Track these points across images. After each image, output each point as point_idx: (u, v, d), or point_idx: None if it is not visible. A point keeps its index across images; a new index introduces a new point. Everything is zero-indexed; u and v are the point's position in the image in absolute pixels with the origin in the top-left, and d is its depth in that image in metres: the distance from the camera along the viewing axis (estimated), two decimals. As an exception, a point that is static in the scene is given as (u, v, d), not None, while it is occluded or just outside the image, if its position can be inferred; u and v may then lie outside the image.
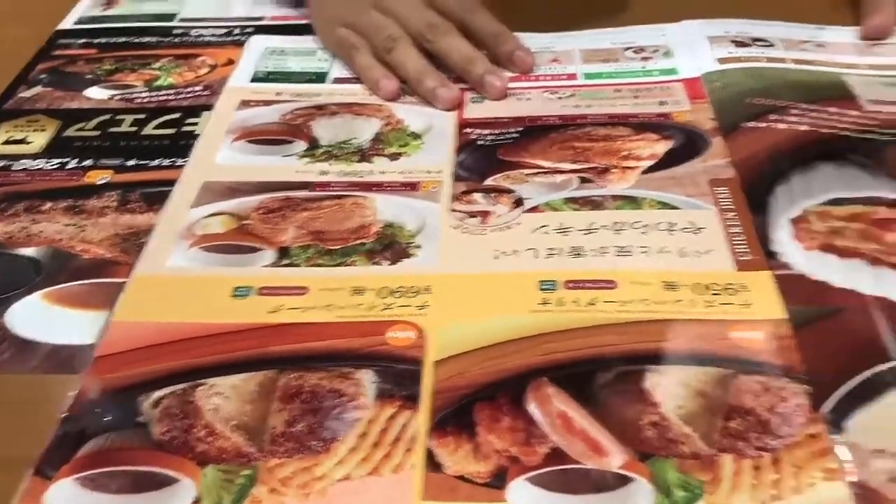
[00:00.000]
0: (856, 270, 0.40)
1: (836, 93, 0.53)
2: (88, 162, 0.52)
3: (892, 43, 0.58)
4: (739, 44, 0.58)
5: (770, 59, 0.56)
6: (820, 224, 0.43)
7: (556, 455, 0.34)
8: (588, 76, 0.58)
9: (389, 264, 0.43)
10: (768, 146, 0.48)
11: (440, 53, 0.57)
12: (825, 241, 0.42)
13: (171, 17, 0.69)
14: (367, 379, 0.37)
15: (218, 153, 0.52)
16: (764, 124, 0.50)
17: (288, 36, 0.64)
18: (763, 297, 0.40)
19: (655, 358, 0.37)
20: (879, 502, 0.31)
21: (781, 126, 0.50)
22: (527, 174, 0.49)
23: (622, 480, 0.33)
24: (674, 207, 0.46)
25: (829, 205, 0.44)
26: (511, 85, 0.57)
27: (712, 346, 0.38)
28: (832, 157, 0.47)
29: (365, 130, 0.53)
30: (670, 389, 0.36)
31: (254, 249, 0.45)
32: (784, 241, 0.42)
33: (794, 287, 0.40)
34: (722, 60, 0.56)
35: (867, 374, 0.35)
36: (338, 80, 0.59)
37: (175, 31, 0.67)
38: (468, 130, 0.53)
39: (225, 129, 0.54)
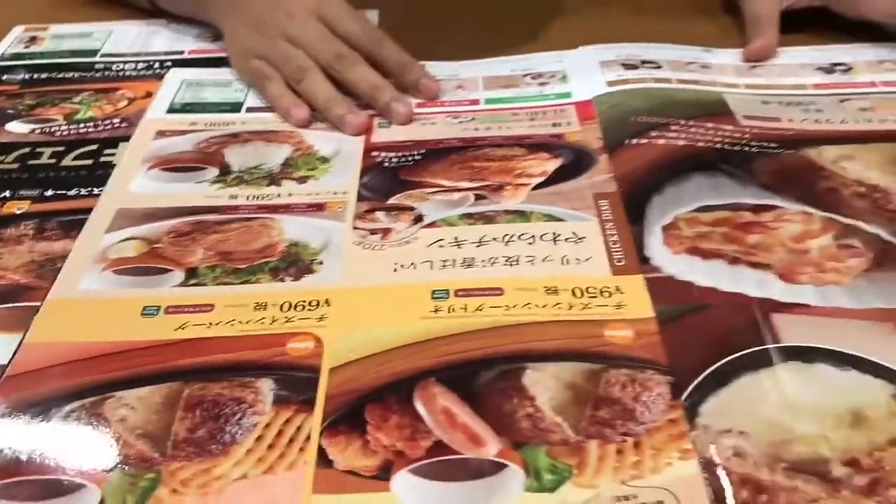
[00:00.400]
0: (716, 270, 0.44)
1: (715, 110, 0.57)
2: (7, 193, 0.54)
3: (770, 65, 0.63)
4: (629, 66, 0.62)
5: (657, 80, 0.60)
6: (688, 230, 0.46)
7: (438, 447, 0.37)
8: (489, 101, 0.61)
9: (293, 280, 0.46)
10: (648, 161, 0.52)
11: (348, 82, 0.60)
12: (692, 245, 0.45)
13: (93, 52, 0.71)
14: (266, 387, 0.40)
15: (133, 181, 0.54)
16: (645, 140, 0.54)
17: (205, 68, 0.67)
18: (634, 298, 0.43)
19: (534, 356, 0.40)
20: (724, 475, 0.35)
21: (661, 141, 0.54)
22: (427, 193, 0.52)
23: (497, 467, 0.36)
24: (559, 220, 0.49)
25: (699, 211, 0.48)
26: (417, 110, 0.60)
27: (586, 343, 0.41)
28: (705, 167, 0.51)
29: (275, 156, 0.56)
30: (545, 384, 0.39)
31: (164, 271, 0.47)
32: (655, 246, 0.46)
33: (662, 288, 0.43)
34: (611, 83, 0.60)
35: (720, 363, 0.39)
36: (251, 110, 0.61)
37: (97, 67, 0.69)
38: (375, 153, 0.56)
39: (141, 159, 0.56)
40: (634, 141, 0.54)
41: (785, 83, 0.60)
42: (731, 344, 0.40)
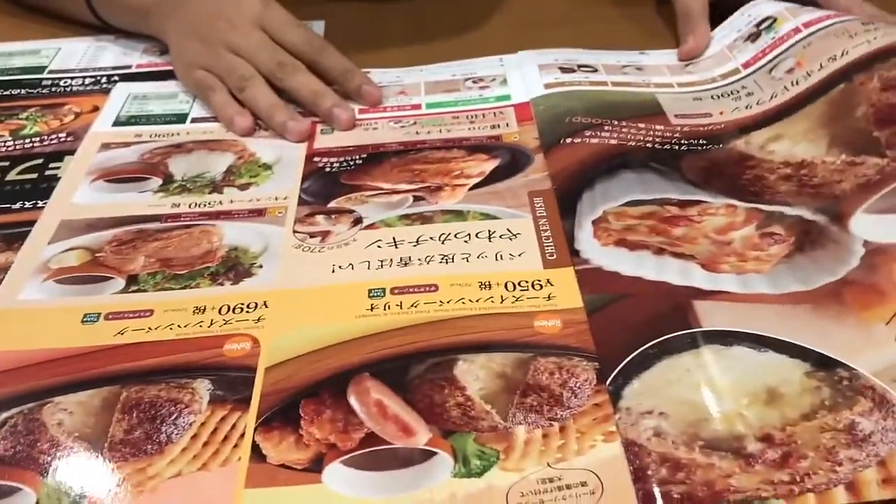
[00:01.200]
0: (642, 260, 0.45)
1: (647, 110, 0.58)
2: (-50, 209, 0.54)
3: (703, 59, 0.65)
4: (566, 70, 0.63)
5: (592, 83, 0.62)
6: (616, 223, 0.48)
7: (370, 439, 0.37)
8: (430, 105, 0.62)
9: (232, 284, 0.47)
10: (581, 159, 0.54)
11: (290, 90, 0.61)
12: (619, 237, 0.47)
13: (41, 69, 0.71)
14: (202, 387, 0.41)
15: (76, 193, 0.55)
16: (579, 140, 0.55)
17: (152, 81, 0.67)
18: (564, 290, 0.44)
19: (466, 348, 0.41)
20: (644, 455, 0.36)
21: (594, 140, 0.55)
22: (367, 196, 0.53)
23: (426, 455, 0.37)
24: (495, 218, 0.50)
25: (627, 206, 0.49)
26: (360, 116, 0.61)
27: (516, 334, 0.42)
28: (635, 165, 0.52)
29: (218, 164, 0.57)
30: (476, 374, 0.40)
31: (105, 279, 0.48)
32: (586, 240, 0.47)
33: (590, 279, 0.45)
34: (548, 85, 0.62)
35: (643, 348, 0.40)
36: (196, 120, 0.62)
37: (44, 83, 0.69)
38: (316, 159, 0.57)
39: (85, 171, 0.57)
40: (569, 140, 0.55)
41: (717, 74, 0.62)
42: (654, 330, 0.41)
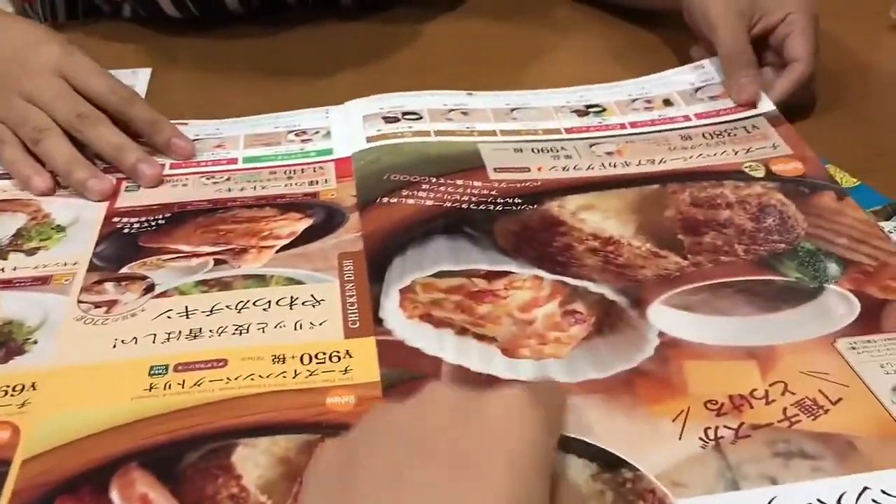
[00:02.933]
0: (444, 340, 0.43)
1: (467, 164, 0.57)
2: None
3: (528, 107, 0.64)
4: (390, 120, 0.62)
5: (415, 133, 0.60)
6: (424, 295, 0.46)
7: (128, 541, 0.34)
8: (247, 160, 0.60)
9: (0, 363, 0.43)
10: (395, 220, 0.52)
11: (91, 143, 0.57)
12: (425, 311, 0.45)
13: None
14: (-56, 487, 0.36)
15: None
16: (396, 199, 0.53)
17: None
18: (363, 362, 0.42)
19: (248, 431, 0.39)
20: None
21: (410, 201, 0.53)
22: (163, 260, 0.50)
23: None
24: (300, 282, 0.48)
25: (436, 277, 0.47)
26: (170, 172, 0.58)
27: (305, 413, 0.39)
28: (449, 230, 0.51)
29: (7, 227, 0.53)
30: (255, 460, 0.37)
31: None
32: (391, 308, 0.45)
33: (391, 352, 0.43)
34: (370, 138, 0.60)
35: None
36: (-12, 177, 0.57)
37: None
38: (116, 220, 0.53)
39: None
40: (386, 199, 0.54)
41: (539, 128, 0.61)
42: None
